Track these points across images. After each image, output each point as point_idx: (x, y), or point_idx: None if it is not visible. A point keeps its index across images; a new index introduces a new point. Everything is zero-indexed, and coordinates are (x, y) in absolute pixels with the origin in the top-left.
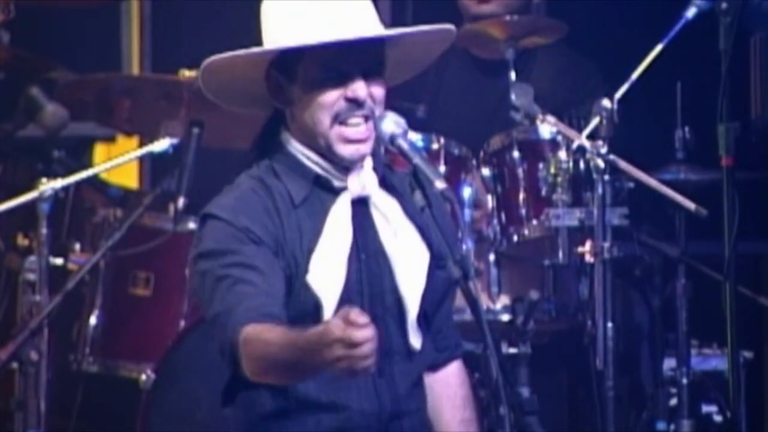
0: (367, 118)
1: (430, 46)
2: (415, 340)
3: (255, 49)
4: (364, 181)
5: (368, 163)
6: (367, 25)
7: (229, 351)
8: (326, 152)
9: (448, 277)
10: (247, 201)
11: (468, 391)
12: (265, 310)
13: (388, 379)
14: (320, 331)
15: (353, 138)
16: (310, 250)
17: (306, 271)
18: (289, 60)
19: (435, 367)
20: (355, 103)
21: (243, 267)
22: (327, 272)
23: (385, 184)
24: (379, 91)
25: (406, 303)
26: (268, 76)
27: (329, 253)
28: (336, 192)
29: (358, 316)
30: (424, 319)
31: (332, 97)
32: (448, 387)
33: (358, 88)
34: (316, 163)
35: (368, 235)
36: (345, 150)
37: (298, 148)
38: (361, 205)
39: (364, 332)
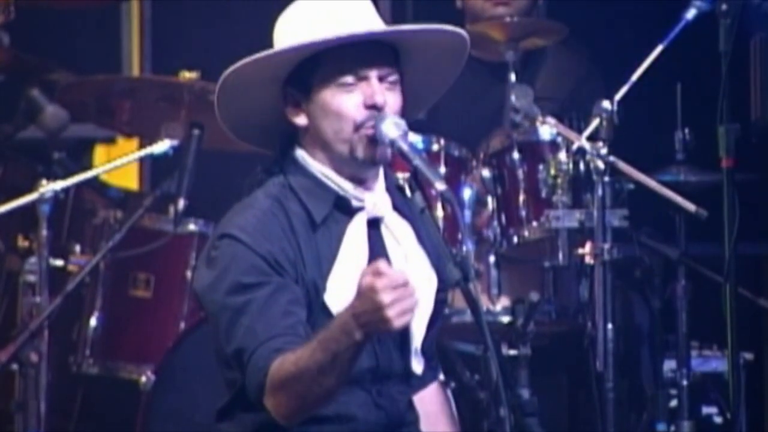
0: None
1: (446, 58)
2: (417, 366)
3: (269, 51)
4: (379, 201)
5: (381, 184)
6: (378, 27)
7: (258, 396)
8: (347, 159)
9: (443, 300)
10: (266, 223)
11: (450, 410)
12: (288, 339)
13: (387, 398)
14: (358, 295)
15: (370, 137)
16: (328, 272)
17: (324, 291)
18: (304, 73)
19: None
20: (374, 109)
21: (264, 302)
22: (344, 292)
23: (396, 207)
24: (395, 101)
25: (412, 329)
26: (285, 95)
27: (346, 273)
28: (352, 213)
29: (382, 264)
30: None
31: (351, 105)
32: (430, 406)
33: (376, 93)
34: (337, 184)
35: (380, 257)
36: (368, 152)
37: (317, 168)
38: (373, 225)
39: (401, 273)
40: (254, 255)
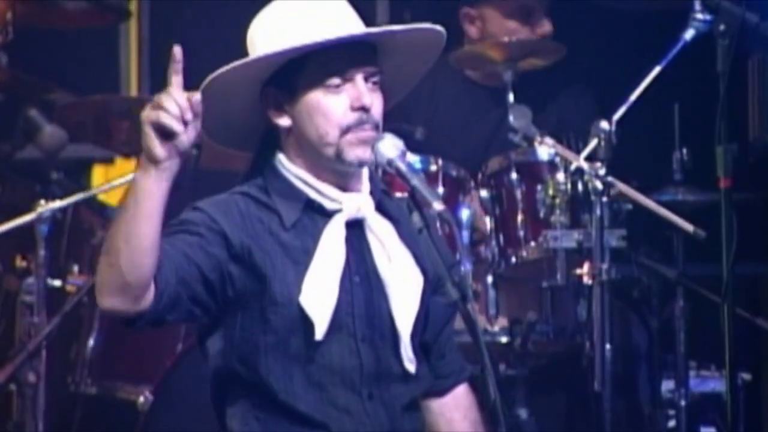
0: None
1: (422, 54)
2: (409, 364)
3: (258, 55)
4: (359, 202)
5: (366, 186)
6: (360, 28)
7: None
8: (332, 161)
9: (448, 303)
10: (227, 205)
11: (477, 415)
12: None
13: (378, 402)
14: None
15: (364, 139)
16: (303, 274)
17: (299, 293)
18: (288, 74)
19: (442, 392)
20: (362, 110)
21: (182, 238)
22: (319, 293)
23: (381, 209)
24: (379, 101)
25: (398, 326)
26: (265, 96)
27: (321, 274)
28: (330, 215)
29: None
30: (420, 344)
31: (339, 108)
32: (456, 411)
33: (363, 94)
34: (310, 186)
35: (362, 258)
36: (355, 153)
37: (291, 170)
38: (356, 227)
39: (173, 97)
40: (205, 215)
